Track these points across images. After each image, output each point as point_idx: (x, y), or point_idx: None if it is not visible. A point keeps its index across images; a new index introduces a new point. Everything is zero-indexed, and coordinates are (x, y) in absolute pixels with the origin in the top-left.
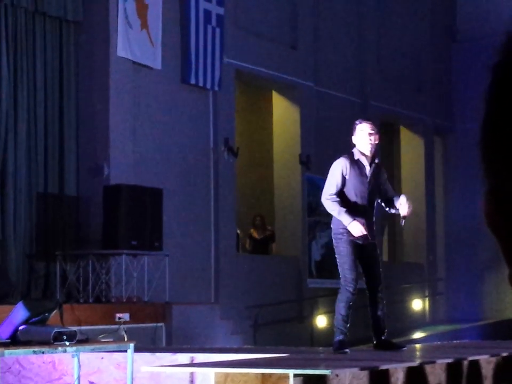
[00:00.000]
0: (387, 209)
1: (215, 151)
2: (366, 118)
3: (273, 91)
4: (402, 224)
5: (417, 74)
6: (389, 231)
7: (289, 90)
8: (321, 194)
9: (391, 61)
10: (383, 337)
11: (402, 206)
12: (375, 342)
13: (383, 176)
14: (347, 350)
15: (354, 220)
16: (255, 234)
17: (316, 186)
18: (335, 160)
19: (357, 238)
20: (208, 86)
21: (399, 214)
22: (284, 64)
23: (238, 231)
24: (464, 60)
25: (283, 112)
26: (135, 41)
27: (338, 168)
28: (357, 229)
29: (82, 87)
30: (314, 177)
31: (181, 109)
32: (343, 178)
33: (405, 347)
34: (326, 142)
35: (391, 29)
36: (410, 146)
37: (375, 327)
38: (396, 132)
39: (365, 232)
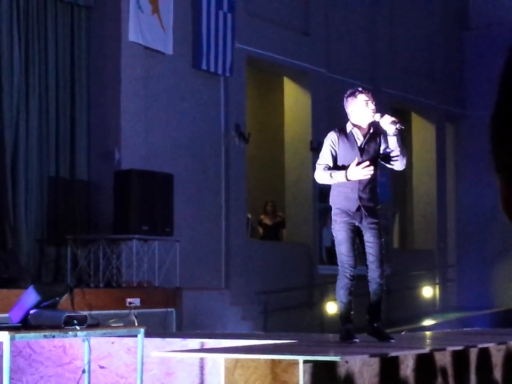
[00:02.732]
0: (389, 163)
1: (226, 136)
2: (362, 88)
3: (284, 77)
4: (400, 126)
5: (429, 61)
6: (399, 218)
7: (300, 76)
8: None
9: (403, 47)
10: (375, 325)
11: (384, 124)
12: (367, 330)
13: (380, 141)
14: (356, 339)
15: (347, 168)
16: (266, 221)
17: None
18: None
19: (350, 216)
20: (220, 71)
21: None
22: (296, 50)
23: (249, 215)
24: (476, 47)
25: (294, 98)
26: (147, 26)
27: (326, 143)
28: (356, 172)
29: (93, 72)
30: None
31: (192, 94)
32: (333, 153)
33: (393, 339)
34: (337, 128)
35: (403, 15)
36: (422, 133)
37: (368, 312)
38: (408, 119)
39: (368, 172)
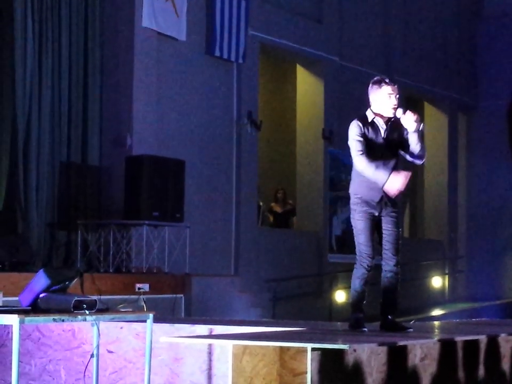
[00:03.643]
0: (409, 157)
1: (238, 123)
2: (388, 80)
3: (297, 65)
4: (420, 127)
5: (443, 51)
6: (410, 208)
7: (313, 64)
8: (346, 165)
9: (417, 36)
10: (389, 317)
11: (406, 121)
12: (381, 322)
13: (402, 131)
14: (365, 328)
15: (388, 175)
16: (276, 208)
17: (338, 161)
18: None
19: (372, 206)
20: (233, 58)
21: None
22: (309, 38)
23: (260, 203)
24: (490, 36)
25: (307, 86)
26: (160, 12)
27: (355, 131)
28: (394, 185)
29: (106, 57)
30: (336, 152)
31: (205, 81)
32: (364, 137)
33: (411, 328)
34: (350, 117)
35: (417, 4)
36: (434, 123)
37: (383, 304)
38: (420, 108)
39: (401, 189)
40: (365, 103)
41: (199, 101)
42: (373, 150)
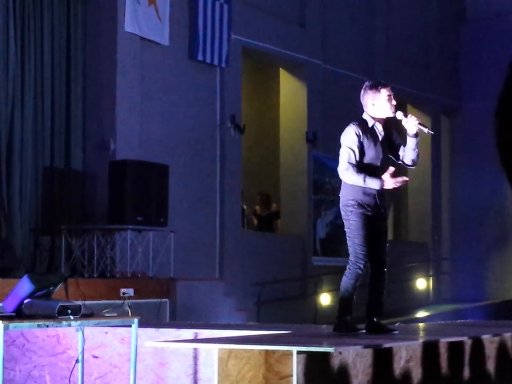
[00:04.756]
0: (405, 160)
1: (221, 127)
2: (383, 82)
3: (280, 68)
4: (429, 131)
5: (425, 53)
6: (394, 210)
7: (296, 68)
8: (333, 170)
9: (399, 39)
10: (375, 319)
11: (408, 123)
12: (366, 325)
13: (394, 136)
14: (363, 330)
15: (380, 178)
16: (261, 212)
17: (322, 164)
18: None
19: (367, 210)
20: (216, 62)
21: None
22: (292, 42)
23: (245, 206)
24: (473, 39)
25: (290, 90)
26: (143, 17)
27: (351, 138)
28: (390, 183)
29: (89, 62)
30: (320, 155)
31: (188, 85)
32: (359, 147)
33: (396, 330)
34: (333, 120)
35: (400, 7)
36: None
37: (370, 307)
38: (403, 111)
39: (400, 181)
40: (348, 106)
41: (182, 105)
42: (370, 156)
